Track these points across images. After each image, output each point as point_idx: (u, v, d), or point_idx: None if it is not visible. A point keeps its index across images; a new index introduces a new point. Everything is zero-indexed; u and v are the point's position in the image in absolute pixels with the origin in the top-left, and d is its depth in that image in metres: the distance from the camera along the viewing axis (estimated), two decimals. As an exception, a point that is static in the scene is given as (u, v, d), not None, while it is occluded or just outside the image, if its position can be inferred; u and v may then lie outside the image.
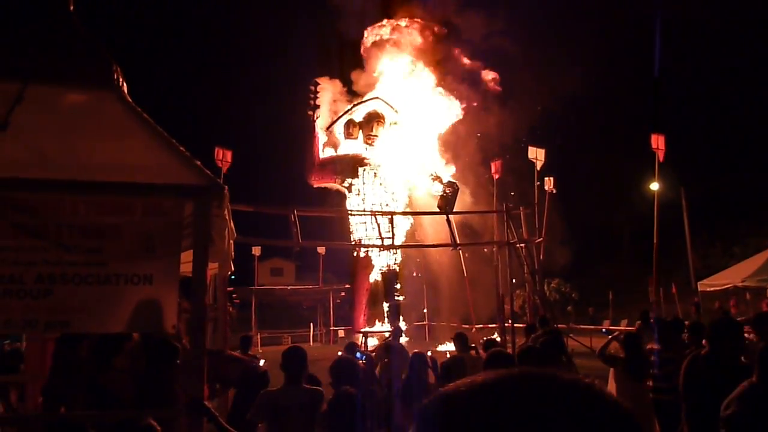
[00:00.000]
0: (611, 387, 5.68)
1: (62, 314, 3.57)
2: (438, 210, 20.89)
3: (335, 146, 24.89)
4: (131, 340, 4.86)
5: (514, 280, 18.86)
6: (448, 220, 17.81)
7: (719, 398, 3.20)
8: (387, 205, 22.78)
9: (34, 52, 4.13)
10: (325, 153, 24.65)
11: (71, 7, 4.27)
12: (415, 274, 26.76)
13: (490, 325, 25.72)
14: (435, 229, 23.27)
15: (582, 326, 24.15)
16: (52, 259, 3.57)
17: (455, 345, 8.02)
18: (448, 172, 24.59)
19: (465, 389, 0.74)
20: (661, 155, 18.90)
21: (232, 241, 4.72)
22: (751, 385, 3.18)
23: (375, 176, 23.29)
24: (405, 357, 8.38)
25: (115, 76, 4.25)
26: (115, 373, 4.78)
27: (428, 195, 23.97)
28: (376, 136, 23.61)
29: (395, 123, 23.98)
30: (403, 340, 23.03)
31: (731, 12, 33.62)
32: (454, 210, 20.76)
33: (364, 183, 23.31)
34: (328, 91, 25.11)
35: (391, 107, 24.26)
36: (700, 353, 4.20)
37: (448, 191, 22.05)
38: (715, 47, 35.20)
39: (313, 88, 24.49)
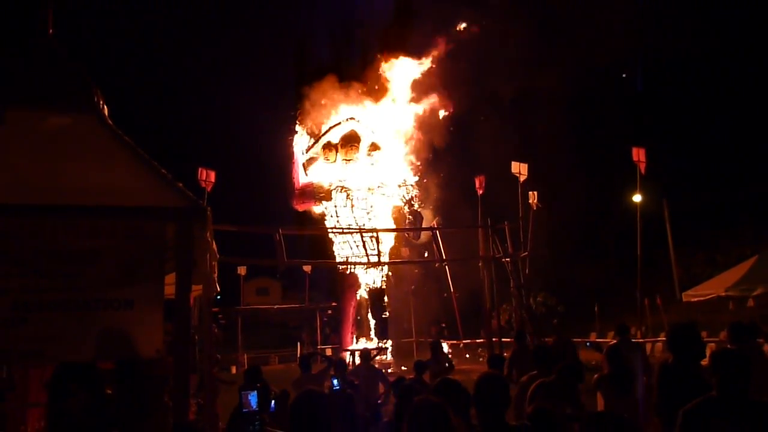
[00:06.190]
0: (598, 402, 5.66)
1: (36, 343, 3.46)
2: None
3: (314, 169, 24.90)
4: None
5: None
6: (435, 236, 17.80)
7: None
8: (364, 225, 22.79)
9: (14, 76, 4.11)
10: (306, 177, 24.65)
11: (51, 31, 4.26)
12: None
13: (477, 340, 25.71)
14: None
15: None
16: (29, 287, 3.46)
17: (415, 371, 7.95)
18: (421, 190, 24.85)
19: None
20: (642, 167, 19.08)
21: (214, 263, 4.67)
22: (708, 400, 3.01)
23: (347, 197, 23.37)
24: (375, 379, 8.36)
25: (96, 99, 4.23)
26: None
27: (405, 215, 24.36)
28: (351, 159, 23.67)
29: (374, 144, 24.01)
30: (388, 357, 23.05)
31: (714, 28, 34.20)
32: (420, 235, 22.02)
33: (335, 206, 23.39)
34: (307, 115, 25.19)
35: (368, 128, 24.31)
36: (667, 361, 4.23)
37: (410, 218, 22.84)
38: (696, 61, 35.71)
39: (293, 113, 24.73)
